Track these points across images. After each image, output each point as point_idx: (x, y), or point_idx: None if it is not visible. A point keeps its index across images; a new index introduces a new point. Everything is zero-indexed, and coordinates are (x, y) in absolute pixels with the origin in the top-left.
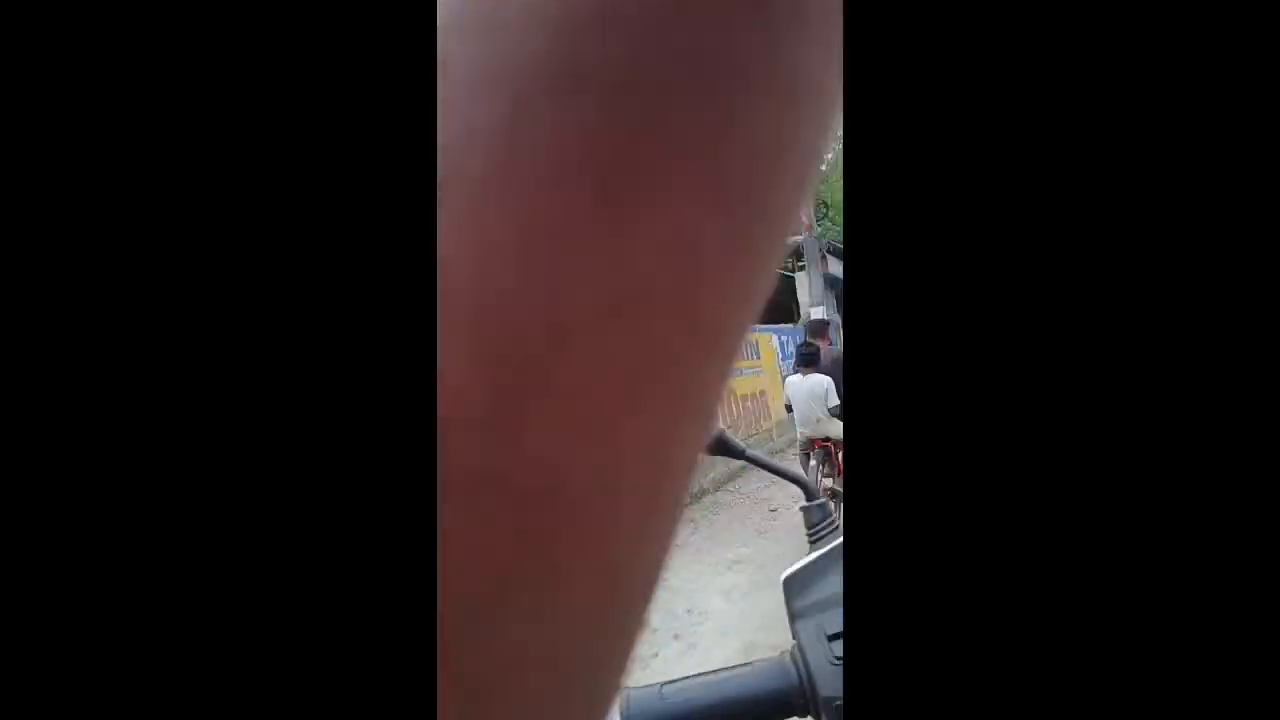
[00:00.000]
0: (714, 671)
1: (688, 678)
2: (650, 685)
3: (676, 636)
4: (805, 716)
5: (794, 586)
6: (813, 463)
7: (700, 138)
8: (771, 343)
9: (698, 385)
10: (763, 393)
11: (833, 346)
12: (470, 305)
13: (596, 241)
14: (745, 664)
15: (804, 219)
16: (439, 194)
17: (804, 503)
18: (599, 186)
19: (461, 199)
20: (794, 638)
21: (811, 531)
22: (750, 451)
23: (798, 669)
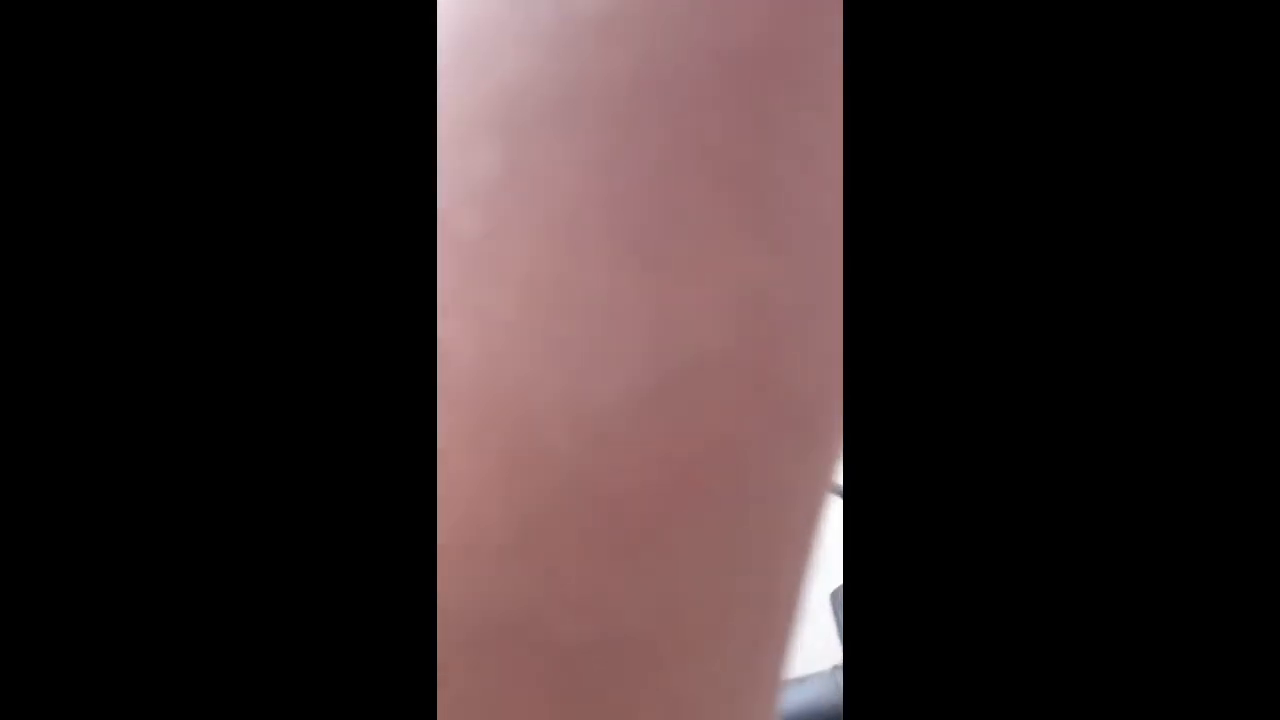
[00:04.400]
0: None
1: None
2: None
3: None
4: None
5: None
6: None
7: (747, 153)
8: None
9: (785, 481)
10: None
11: None
12: (478, 405)
13: (631, 306)
14: (794, 679)
15: None
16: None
17: None
18: (626, 233)
19: (457, 271)
20: (844, 653)
21: None
22: None
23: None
